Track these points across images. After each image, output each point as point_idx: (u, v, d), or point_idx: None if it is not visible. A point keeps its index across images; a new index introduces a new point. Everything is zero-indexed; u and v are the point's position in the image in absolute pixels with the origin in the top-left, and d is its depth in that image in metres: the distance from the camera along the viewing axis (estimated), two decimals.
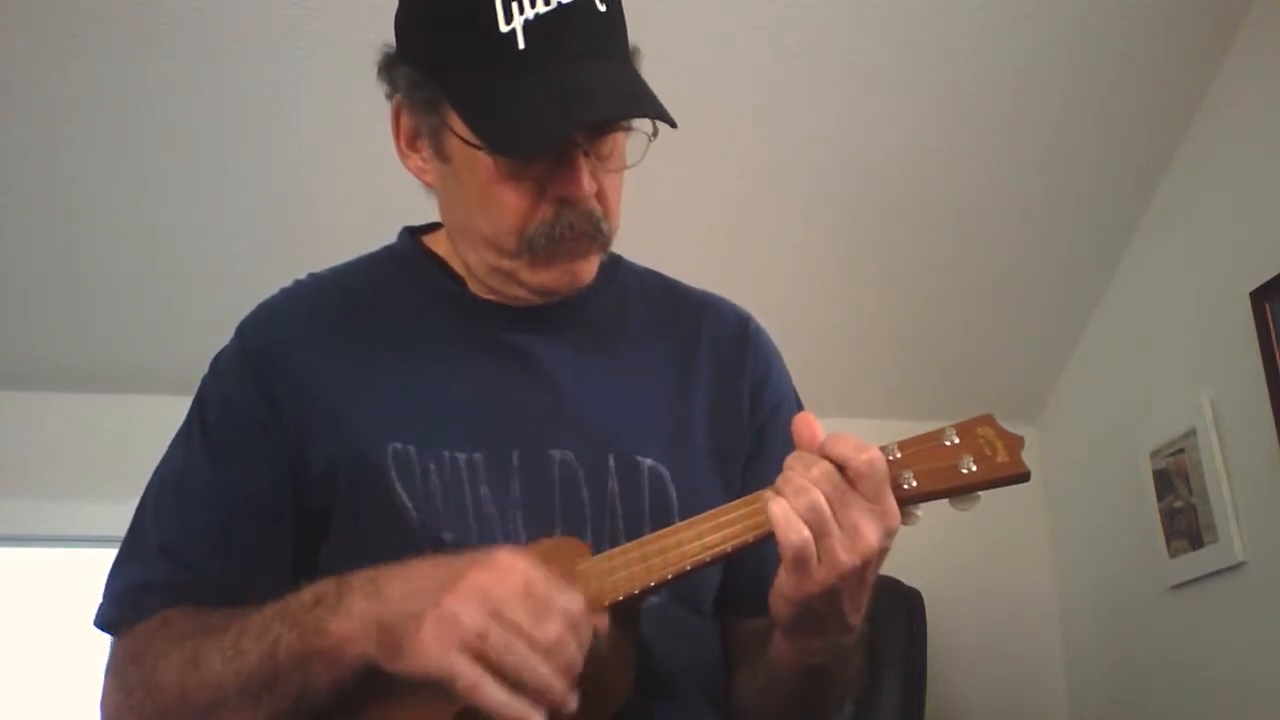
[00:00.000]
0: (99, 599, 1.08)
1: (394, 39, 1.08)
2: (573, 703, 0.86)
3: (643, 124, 1.05)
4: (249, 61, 2.27)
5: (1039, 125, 2.51)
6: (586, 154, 1.02)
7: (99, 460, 2.73)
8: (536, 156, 1.00)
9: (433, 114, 1.05)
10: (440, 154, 1.06)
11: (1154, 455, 2.57)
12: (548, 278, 1.06)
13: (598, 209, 1.04)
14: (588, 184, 1.01)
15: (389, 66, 1.08)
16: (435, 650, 0.85)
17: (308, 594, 0.94)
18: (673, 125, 1.01)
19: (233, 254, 2.59)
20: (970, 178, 2.60)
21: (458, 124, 1.02)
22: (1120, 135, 2.54)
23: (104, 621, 1.07)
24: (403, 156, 1.11)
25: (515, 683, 0.84)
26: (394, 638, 0.87)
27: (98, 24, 2.18)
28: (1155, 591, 2.58)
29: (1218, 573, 2.37)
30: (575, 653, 0.86)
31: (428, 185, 1.11)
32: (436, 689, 0.87)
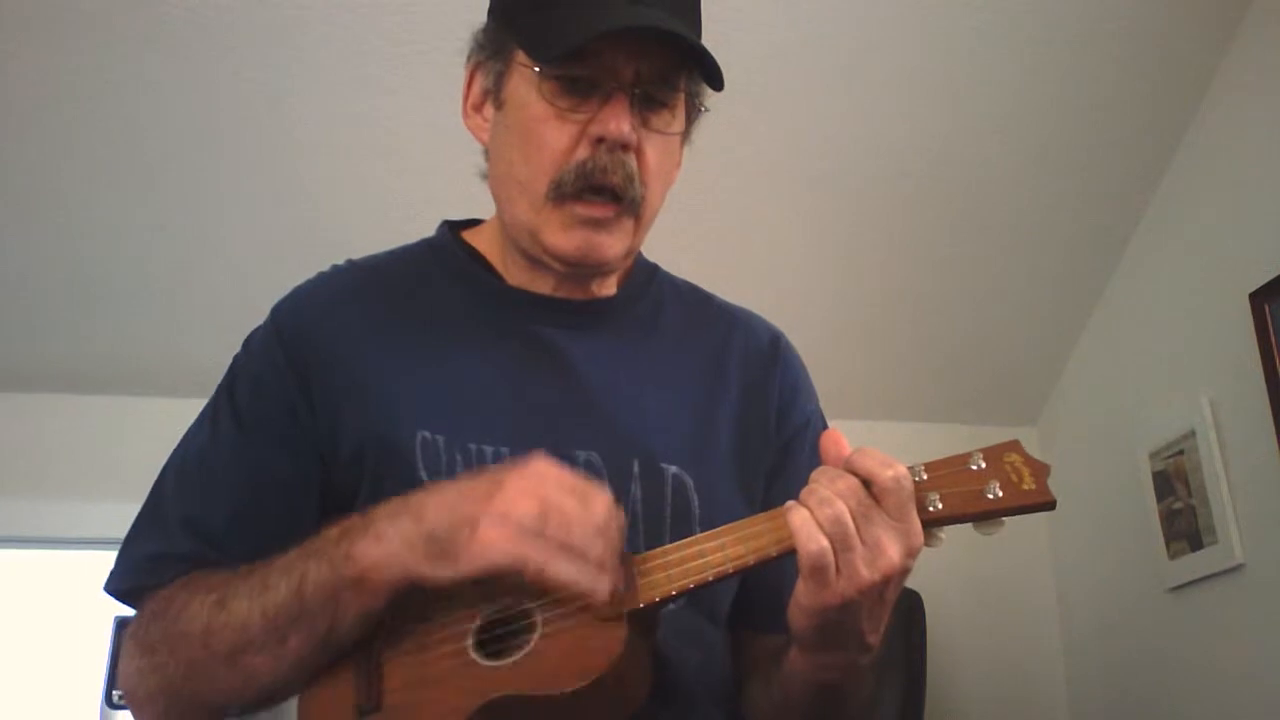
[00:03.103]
0: (111, 567, 1.07)
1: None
2: (622, 582, 0.90)
3: (696, 99, 1.10)
4: (248, 62, 2.27)
5: (1039, 125, 2.51)
6: (633, 106, 1.04)
7: (99, 460, 2.74)
8: (570, 54, 1.01)
9: (499, 60, 1.09)
10: (498, 103, 1.09)
11: (1153, 456, 2.57)
12: (567, 243, 1.06)
13: (633, 163, 1.05)
14: (628, 128, 1.02)
15: (477, 34, 1.13)
16: (499, 543, 0.88)
17: (334, 529, 0.96)
18: (716, 83, 1.05)
19: (232, 255, 2.60)
20: (970, 178, 2.60)
21: (519, 55, 1.06)
22: (1120, 135, 2.54)
23: (119, 588, 1.06)
24: (465, 117, 1.14)
25: (579, 558, 0.88)
26: (445, 546, 0.90)
27: (98, 25, 2.18)
28: (1154, 593, 2.58)
29: (1217, 574, 2.37)
30: (619, 535, 0.90)
31: (483, 144, 1.14)
32: (475, 594, 0.91)
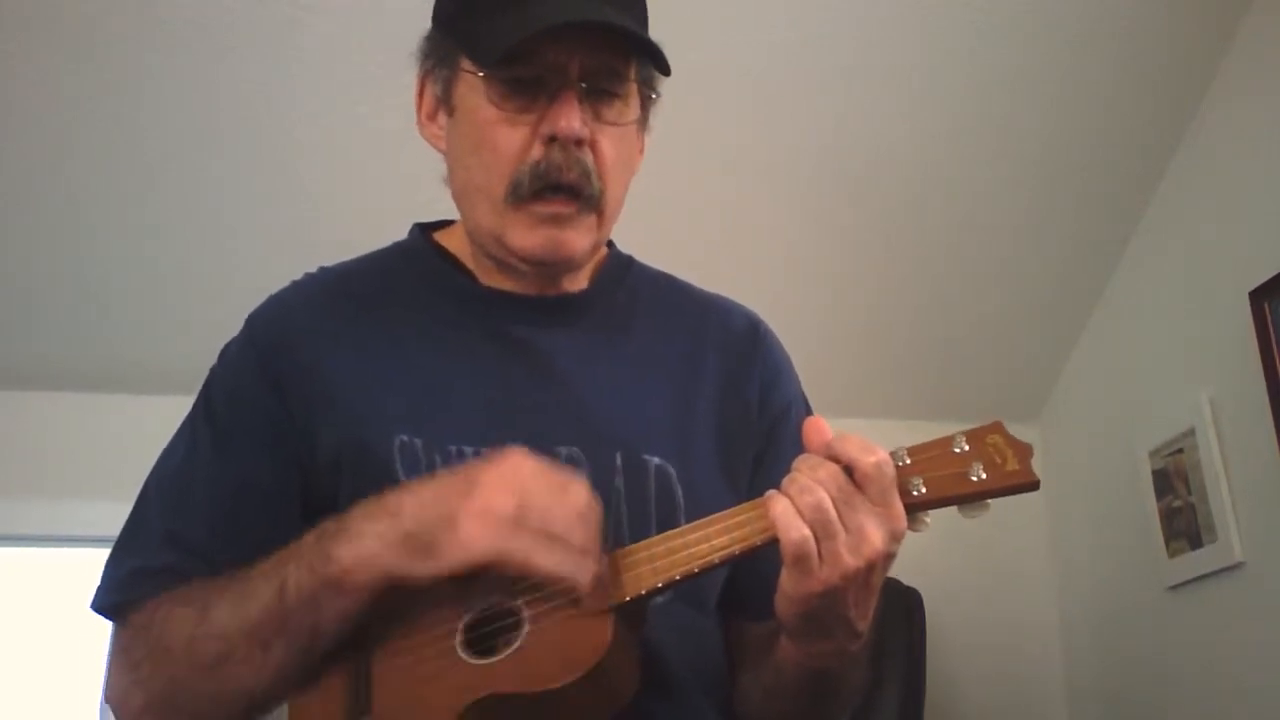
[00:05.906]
0: (97, 583, 1.07)
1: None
2: (605, 568, 0.91)
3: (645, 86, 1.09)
4: (247, 63, 2.28)
5: (1039, 125, 2.51)
6: (582, 100, 1.03)
7: (99, 460, 2.73)
8: (508, 55, 1.01)
9: (446, 66, 1.09)
10: (449, 109, 1.10)
11: (1153, 455, 2.57)
12: (531, 242, 1.06)
13: (589, 158, 1.04)
14: (578, 124, 1.02)
15: (422, 43, 1.13)
16: (480, 537, 0.89)
17: (309, 535, 0.96)
18: (662, 67, 1.05)
19: (232, 254, 2.60)
20: (970, 177, 2.60)
21: (465, 61, 1.06)
22: (1120, 136, 2.54)
23: (104, 605, 1.06)
24: (421, 127, 1.14)
25: (561, 546, 0.89)
26: (426, 543, 0.90)
27: (98, 25, 2.18)
28: (1154, 591, 2.58)
29: (1216, 572, 2.37)
30: (597, 521, 0.91)
31: (441, 152, 1.13)
32: (457, 592, 0.91)
